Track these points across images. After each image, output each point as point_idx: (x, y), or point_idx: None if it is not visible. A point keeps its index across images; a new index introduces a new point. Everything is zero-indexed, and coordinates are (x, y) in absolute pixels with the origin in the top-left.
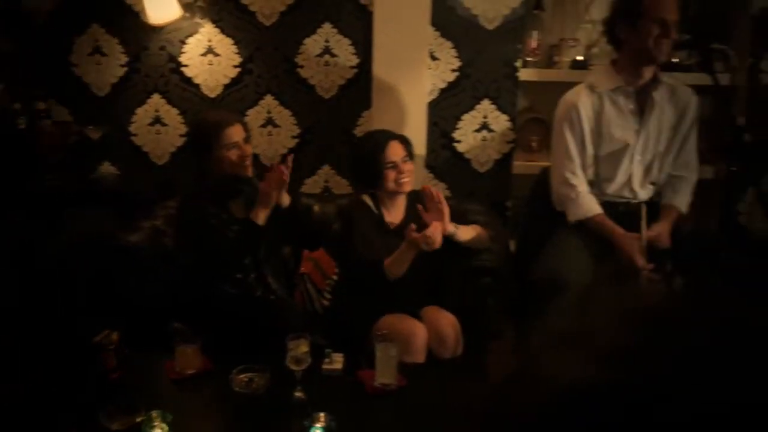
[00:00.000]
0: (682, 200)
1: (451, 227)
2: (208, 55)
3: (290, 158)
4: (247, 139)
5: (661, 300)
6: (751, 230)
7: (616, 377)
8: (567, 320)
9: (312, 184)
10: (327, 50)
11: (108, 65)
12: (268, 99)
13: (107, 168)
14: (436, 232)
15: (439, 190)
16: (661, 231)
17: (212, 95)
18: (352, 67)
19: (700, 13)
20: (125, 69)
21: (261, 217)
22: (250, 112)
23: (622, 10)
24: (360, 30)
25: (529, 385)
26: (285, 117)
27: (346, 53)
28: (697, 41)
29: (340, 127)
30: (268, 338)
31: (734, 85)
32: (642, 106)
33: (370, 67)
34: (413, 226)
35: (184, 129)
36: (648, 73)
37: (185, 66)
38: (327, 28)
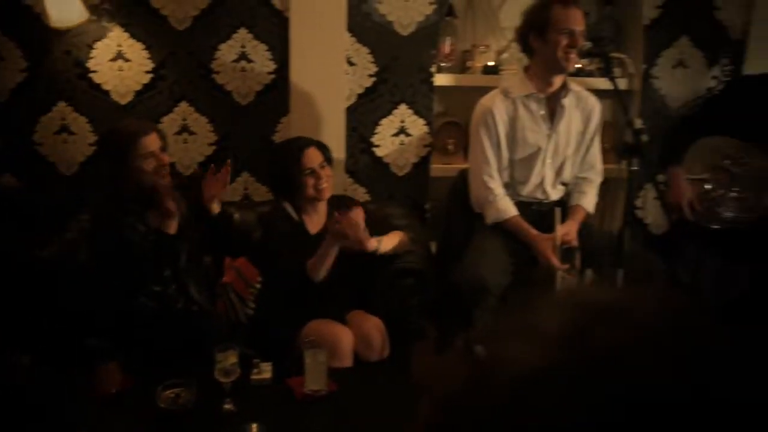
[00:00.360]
0: (588, 201)
1: (373, 244)
2: (117, 61)
3: (228, 162)
4: (163, 148)
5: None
6: (647, 224)
7: (560, 367)
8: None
9: (231, 192)
10: (243, 56)
11: (5, 70)
12: (183, 106)
13: (8, 179)
14: (358, 216)
15: (357, 214)
16: (569, 230)
17: (123, 102)
18: (269, 73)
19: (598, 22)
20: (25, 74)
21: (173, 226)
22: (164, 119)
23: (532, 22)
24: (276, 35)
25: (482, 382)
26: (201, 124)
27: (262, 59)
28: (598, 49)
29: (259, 133)
30: (194, 351)
31: (631, 90)
32: (552, 112)
33: (288, 73)
34: (337, 214)
35: (93, 138)
36: (558, 81)
37: (93, 72)
38: (243, 34)
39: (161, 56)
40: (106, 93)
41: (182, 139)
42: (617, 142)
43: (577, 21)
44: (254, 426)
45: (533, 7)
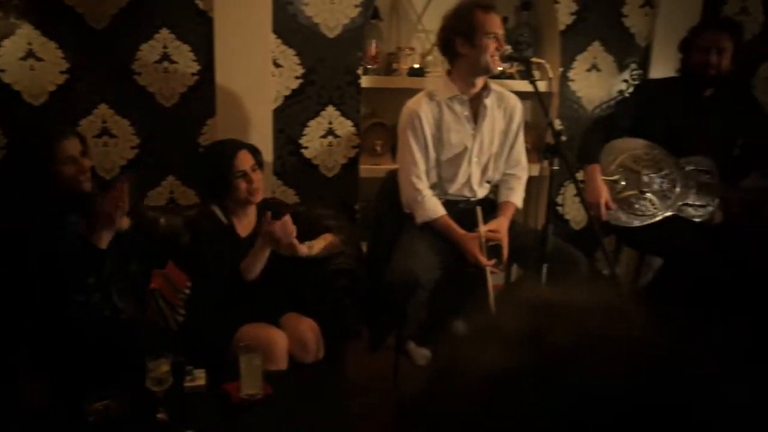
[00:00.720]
0: (517, 196)
1: (304, 250)
2: (29, 60)
3: (125, 186)
4: (84, 153)
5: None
6: (568, 220)
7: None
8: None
9: (156, 196)
10: (166, 56)
11: None
12: (103, 108)
13: None
14: (288, 222)
15: (288, 221)
16: (499, 226)
17: (36, 103)
18: (194, 74)
19: (517, 27)
20: None
21: (103, 239)
22: (82, 122)
23: (458, 28)
24: (200, 36)
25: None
26: (122, 126)
27: (186, 60)
28: (519, 54)
29: (184, 136)
30: (124, 360)
31: (550, 92)
32: (476, 113)
33: (213, 75)
34: (268, 215)
35: (4, 141)
36: (480, 82)
37: (2, 71)
38: (165, 34)
39: (77, 56)
40: (17, 94)
41: (102, 142)
42: (538, 143)
43: (499, 25)
44: None
45: (455, 13)
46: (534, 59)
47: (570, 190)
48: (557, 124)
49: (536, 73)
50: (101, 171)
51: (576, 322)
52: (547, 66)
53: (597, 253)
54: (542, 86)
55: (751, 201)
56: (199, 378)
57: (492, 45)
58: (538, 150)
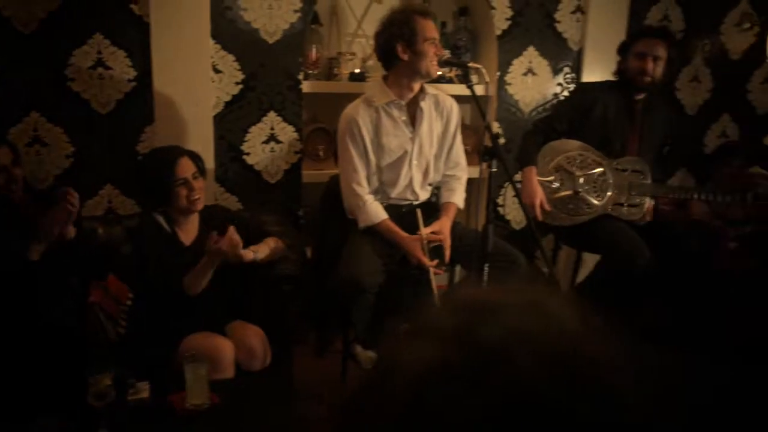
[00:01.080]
0: (458, 197)
1: (249, 255)
2: None
3: (75, 196)
4: (15, 162)
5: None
6: (509, 220)
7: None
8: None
9: (93, 206)
10: (100, 62)
11: None
12: (34, 115)
13: None
14: (234, 235)
15: (232, 231)
16: (442, 227)
17: None
18: (130, 81)
19: (455, 32)
20: None
21: (36, 252)
22: (12, 130)
23: (398, 33)
24: (136, 42)
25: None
26: (55, 135)
27: (122, 66)
28: (456, 59)
29: (122, 143)
30: (63, 375)
31: (488, 95)
32: (413, 117)
33: (151, 81)
34: (214, 235)
35: None
36: (416, 86)
37: None
38: (99, 39)
39: (4, 61)
40: None
41: (34, 151)
42: (478, 145)
43: (436, 30)
44: None
45: (394, 18)
46: (471, 64)
47: (510, 190)
48: (495, 127)
49: (474, 78)
50: (34, 181)
51: (504, 320)
52: (484, 70)
53: (537, 252)
54: (480, 90)
55: (678, 200)
56: (142, 391)
57: (431, 50)
58: (478, 152)
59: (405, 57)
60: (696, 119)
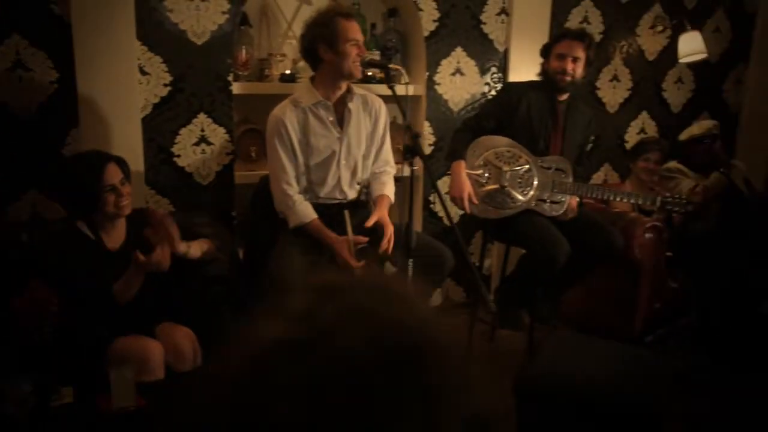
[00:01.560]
0: (389, 189)
1: (182, 247)
2: None
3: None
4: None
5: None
6: (441, 217)
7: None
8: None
9: (17, 211)
10: (19, 64)
11: None
12: None
13: None
14: (164, 254)
15: (165, 214)
16: (381, 216)
17: None
18: (52, 83)
19: (385, 32)
20: None
21: None
22: None
23: (320, 35)
24: (57, 43)
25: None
26: None
27: (42, 68)
28: (378, 60)
29: (46, 147)
30: None
31: (419, 95)
32: (341, 117)
33: (74, 83)
34: (138, 254)
35: None
36: (343, 86)
37: None
38: (17, 40)
39: None
40: None
41: None
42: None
43: (359, 32)
44: None
45: (317, 20)
46: (392, 65)
47: (443, 188)
48: (426, 126)
49: (404, 78)
50: None
51: (345, 299)
52: (403, 71)
53: (471, 246)
54: (410, 90)
55: (600, 197)
56: (66, 396)
57: (353, 51)
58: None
59: (327, 58)
60: (617, 117)
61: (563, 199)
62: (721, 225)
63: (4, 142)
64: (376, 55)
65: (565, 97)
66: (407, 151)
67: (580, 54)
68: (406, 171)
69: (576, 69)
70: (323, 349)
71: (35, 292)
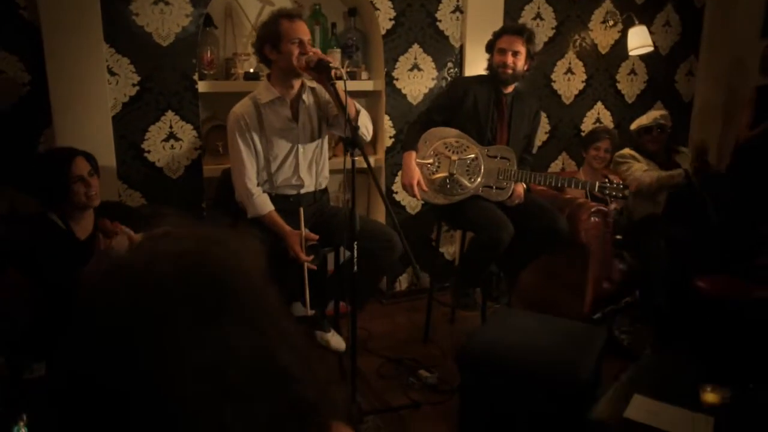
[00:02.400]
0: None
1: (138, 237)
2: None
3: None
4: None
5: None
6: (404, 206)
7: None
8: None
9: None
10: None
11: None
12: None
13: None
14: (122, 240)
15: (115, 223)
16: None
17: None
18: (25, 85)
19: (346, 31)
20: None
21: None
22: None
23: (266, 36)
24: (28, 46)
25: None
26: None
27: (15, 69)
28: (320, 62)
29: (20, 145)
30: None
31: (379, 90)
32: (296, 112)
33: (46, 84)
34: (101, 237)
35: None
36: (297, 83)
37: None
38: None
39: None
40: None
41: None
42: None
43: (303, 31)
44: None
45: (265, 23)
46: (332, 64)
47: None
48: (386, 119)
49: (364, 73)
50: None
51: (168, 244)
52: (342, 70)
53: (433, 233)
54: (370, 85)
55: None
56: (38, 370)
57: (295, 50)
58: (371, 143)
59: (273, 57)
60: (572, 108)
61: (508, 185)
62: (665, 210)
63: None
64: (337, 53)
65: (510, 89)
66: (345, 142)
67: (520, 48)
68: (349, 163)
69: (516, 62)
70: (144, 272)
71: (10, 279)
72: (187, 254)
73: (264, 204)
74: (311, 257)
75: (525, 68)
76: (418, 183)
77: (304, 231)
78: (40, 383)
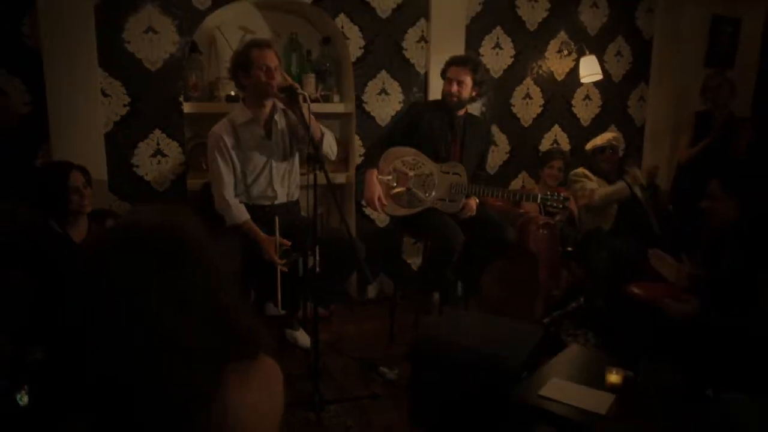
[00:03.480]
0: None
1: None
2: None
3: None
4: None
5: None
6: (374, 219)
7: None
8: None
9: None
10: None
11: None
12: None
13: None
14: None
15: None
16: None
17: None
18: (25, 104)
19: (320, 57)
20: None
21: None
22: None
23: (238, 63)
24: (30, 70)
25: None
26: None
27: (18, 91)
28: (288, 87)
29: (21, 159)
30: None
31: (350, 112)
32: (269, 130)
33: (45, 104)
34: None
35: None
36: (268, 104)
37: None
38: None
39: None
40: None
41: None
42: (341, 154)
43: (270, 58)
44: None
45: (238, 51)
46: (299, 90)
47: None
48: (356, 139)
49: (336, 96)
50: None
51: (139, 217)
52: (307, 94)
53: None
54: (342, 107)
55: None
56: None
57: (262, 75)
58: (344, 161)
59: (245, 82)
60: (531, 130)
61: (459, 198)
62: (614, 223)
63: None
64: (312, 77)
65: (462, 112)
66: (308, 158)
67: (465, 78)
68: (341, 178)
69: (461, 91)
70: (128, 231)
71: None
72: (154, 222)
73: (241, 213)
74: (284, 261)
75: (472, 94)
76: (379, 198)
77: (279, 237)
78: (42, 363)
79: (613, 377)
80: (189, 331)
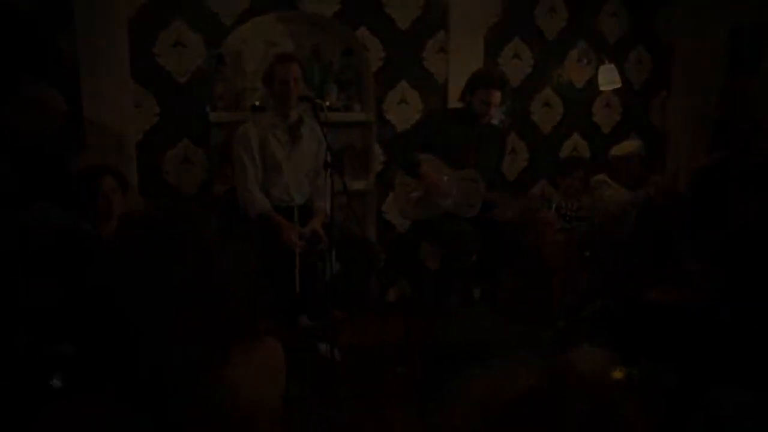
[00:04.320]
0: (326, 206)
1: None
2: None
3: None
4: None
5: None
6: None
7: None
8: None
9: None
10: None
11: None
12: None
13: None
14: None
15: None
16: (315, 225)
17: None
18: (63, 114)
19: (342, 68)
20: None
21: None
22: None
23: (265, 76)
24: (68, 82)
25: None
26: None
27: (56, 101)
28: (308, 96)
29: (58, 165)
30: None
31: (370, 120)
32: (293, 138)
33: (82, 114)
34: None
35: None
36: (294, 114)
37: None
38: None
39: None
40: None
41: None
42: (362, 163)
43: (292, 71)
44: None
45: (267, 65)
46: (318, 100)
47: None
48: (377, 147)
49: (357, 105)
50: None
51: (156, 212)
52: (325, 104)
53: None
54: (363, 116)
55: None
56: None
57: (283, 88)
58: (364, 168)
59: (269, 92)
60: (550, 138)
61: (475, 204)
62: (635, 231)
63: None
64: (333, 87)
65: (485, 120)
66: (325, 164)
67: (496, 99)
68: (360, 185)
69: (491, 110)
70: (149, 223)
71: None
72: (167, 217)
73: (264, 202)
74: (303, 243)
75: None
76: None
77: (298, 225)
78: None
79: (617, 374)
80: (194, 313)
